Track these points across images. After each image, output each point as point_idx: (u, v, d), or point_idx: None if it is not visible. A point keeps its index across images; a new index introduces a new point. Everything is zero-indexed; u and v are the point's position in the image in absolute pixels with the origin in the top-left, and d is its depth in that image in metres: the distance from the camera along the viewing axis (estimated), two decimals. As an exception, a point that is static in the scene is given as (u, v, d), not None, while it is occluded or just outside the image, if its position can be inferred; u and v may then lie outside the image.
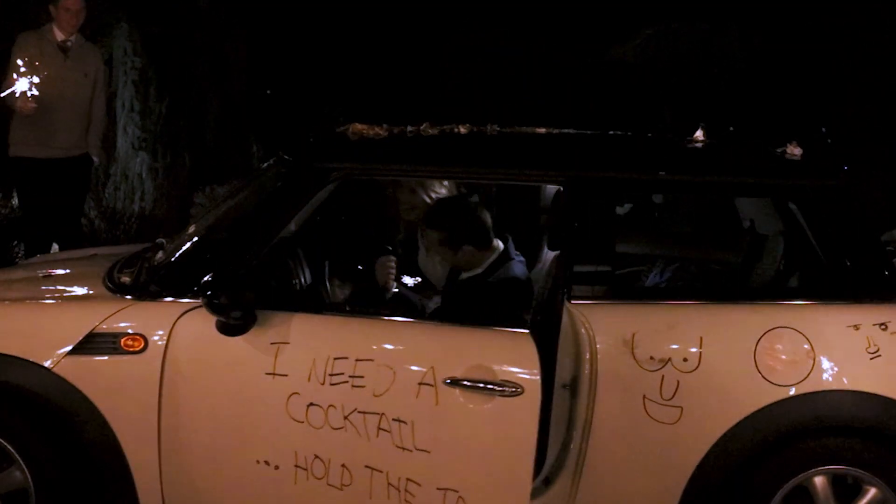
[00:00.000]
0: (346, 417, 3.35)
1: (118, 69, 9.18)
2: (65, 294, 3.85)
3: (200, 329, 3.48)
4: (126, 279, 3.79)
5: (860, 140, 8.77)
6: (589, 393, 3.42)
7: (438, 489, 3.34)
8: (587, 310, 3.48)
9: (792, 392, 3.43)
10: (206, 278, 3.46)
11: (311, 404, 3.39)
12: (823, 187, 3.69)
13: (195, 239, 3.89)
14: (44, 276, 4.20)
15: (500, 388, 3.30)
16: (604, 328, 3.47)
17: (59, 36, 6.31)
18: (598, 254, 3.59)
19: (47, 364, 3.47)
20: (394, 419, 3.34)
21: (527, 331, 3.41)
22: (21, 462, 3.49)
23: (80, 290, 3.82)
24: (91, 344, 3.48)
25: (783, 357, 3.45)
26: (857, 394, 3.43)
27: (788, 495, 3.51)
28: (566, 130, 4.29)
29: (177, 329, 3.48)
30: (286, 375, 3.40)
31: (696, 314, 3.55)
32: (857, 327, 3.48)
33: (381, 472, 3.36)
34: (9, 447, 3.49)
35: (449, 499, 3.33)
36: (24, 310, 3.70)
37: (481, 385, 3.32)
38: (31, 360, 3.48)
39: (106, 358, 3.47)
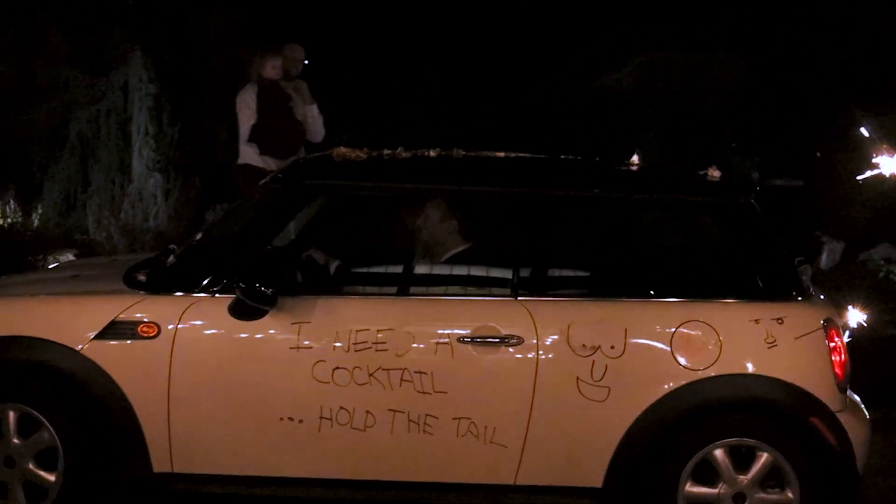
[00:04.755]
0: (371, 374, 3.98)
1: (133, 95, 9.64)
2: (92, 290, 4.39)
3: (207, 317, 4.08)
4: (142, 278, 4.43)
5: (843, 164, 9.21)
6: (534, 374, 4.09)
7: (453, 419, 4.00)
8: (531, 304, 4.11)
9: (702, 375, 3.98)
10: (238, 274, 3.99)
11: (337, 368, 3.99)
12: (732, 204, 4.25)
13: (202, 244, 4.55)
14: (73, 276, 4.86)
15: (505, 340, 4.00)
16: (544, 320, 4.06)
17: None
18: (540, 258, 4.24)
19: (78, 347, 4.03)
20: (415, 372, 3.98)
21: (516, 297, 4.06)
22: (49, 427, 4.05)
23: (104, 287, 4.36)
24: (113, 330, 4.05)
25: (695, 346, 4.04)
26: (756, 376, 3.99)
27: (698, 464, 4.02)
28: (522, 155, 4.92)
29: (185, 318, 4.06)
30: (311, 348, 4.00)
31: (622, 309, 4.12)
32: (757, 321, 4.04)
33: (402, 412, 3.99)
34: (39, 415, 4.05)
35: (462, 425, 3.99)
36: (59, 302, 4.25)
37: (489, 339, 4.00)
38: (65, 343, 4.03)
39: (125, 342, 4.04)
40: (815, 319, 4.09)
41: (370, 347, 4.03)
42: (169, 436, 4.09)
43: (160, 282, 4.28)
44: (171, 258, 4.53)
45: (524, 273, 4.17)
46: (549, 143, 7.35)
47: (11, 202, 10.04)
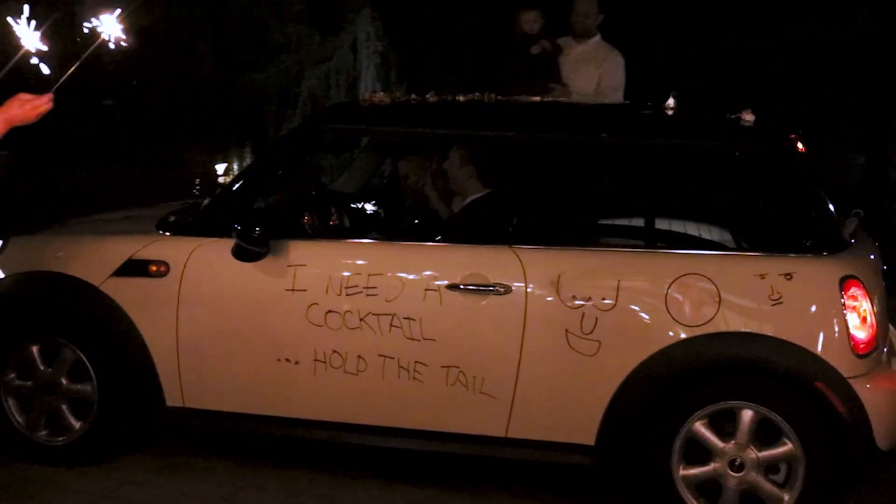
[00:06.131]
0: (361, 319, 3.98)
1: (361, 53, 9.89)
2: (121, 230, 4.54)
3: (211, 258, 4.17)
4: (171, 220, 4.59)
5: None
6: (522, 325, 3.94)
7: (442, 367, 3.94)
8: (523, 253, 3.93)
9: (698, 332, 3.72)
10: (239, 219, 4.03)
11: (330, 311, 4.00)
12: (751, 150, 3.92)
13: (227, 188, 4.65)
14: (124, 218, 5.07)
15: (493, 289, 3.89)
16: (535, 269, 3.89)
17: None
18: (540, 206, 4.07)
19: (96, 283, 4.23)
20: (404, 318, 3.94)
21: (508, 245, 3.93)
22: (82, 355, 4.28)
23: (134, 228, 4.52)
24: (128, 268, 4.23)
25: (692, 301, 3.76)
26: (756, 336, 3.69)
27: (695, 427, 3.78)
28: (558, 100, 4.73)
29: (192, 258, 4.17)
30: (305, 290, 4.03)
31: (616, 260, 3.91)
32: (763, 276, 3.73)
33: (392, 358, 3.97)
34: (70, 344, 4.29)
35: (451, 373, 3.94)
36: (86, 241, 4.43)
37: (477, 287, 3.91)
38: (86, 279, 4.25)
39: (139, 279, 4.21)
40: (831, 276, 3.72)
41: (361, 292, 4.02)
42: (179, 371, 4.24)
43: (181, 224, 4.42)
44: (206, 201, 4.67)
45: (521, 220, 4.02)
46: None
47: (248, 159, 10.54)
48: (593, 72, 5.95)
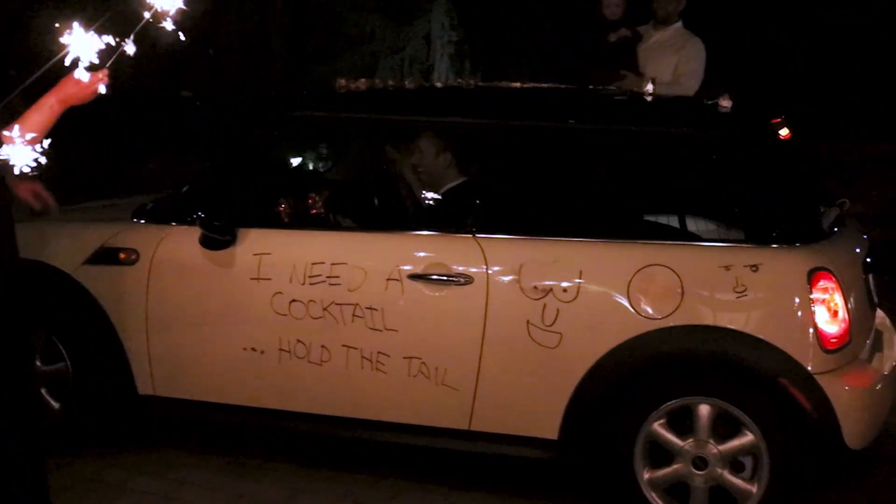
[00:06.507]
0: (324, 309, 3.92)
1: (435, 43, 9.81)
2: (98, 218, 4.55)
3: (180, 246, 4.15)
4: (148, 208, 4.56)
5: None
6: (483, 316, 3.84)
7: (404, 358, 3.88)
8: (486, 242, 3.84)
9: (660, 325, 3.60)
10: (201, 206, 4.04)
11: (294, 300, 3.95)
12: (720, 137, 3.81)
13: (200, 175, 4.63)
14: (106, 206, 5.00)
15: (455, 279, 3.82)
16: (497, 259, 3.80)
17: None
18: (504, 194, 3.96)
19: (69, 271, 4.22)
20: (366, 307, 3.88)
21: (472, 234, 3.85)
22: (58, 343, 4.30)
23: (110, 216, 4.53)
24: (100, 256, 4.22)
25: (654, 292, 3.64)
26: (719, 329, 3.57)
27: (659, 421, 3.68)
28: (541, 85, 4.61)
29: (161, 246, 4.14)
30: (270, 279, 3.99)
31: (578, 250, 3.78)
32: (728, 268, 3.60)
33: (356, 348, 3.92)
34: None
35: (413, 365, 3.87)
36: (61, 229, 4.42)
37: (439, 277, 3.83)
38: (59, 267, 4.25)
39: (110, 267, 4.20)
40: (798, 268, 3.58)
41: (324, 281, 3.96)
42: (149, 359, 4.23)
43: (154, 212, 4.41)
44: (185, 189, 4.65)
45: (484, 209, 3.94)
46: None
47: (324, 151, 10.57)
48: (671, 59, 5.81)
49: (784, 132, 4.15)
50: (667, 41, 5.85)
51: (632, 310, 3.65)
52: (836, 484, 4.07)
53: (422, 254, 3.90)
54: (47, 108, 3.10)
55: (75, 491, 4.08)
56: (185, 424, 4.47)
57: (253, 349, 4.07)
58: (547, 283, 3.73)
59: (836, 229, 3.95)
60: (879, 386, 3.71)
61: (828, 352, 3.54)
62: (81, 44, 2.72)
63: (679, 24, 5.88)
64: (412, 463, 4.28)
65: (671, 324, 3.61)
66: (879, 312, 4.60)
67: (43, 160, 2.80)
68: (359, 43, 11.16)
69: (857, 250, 3.99)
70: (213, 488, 4.16)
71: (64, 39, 2.70)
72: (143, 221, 4.35)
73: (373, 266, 3.93)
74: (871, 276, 4.12)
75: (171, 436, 4.56)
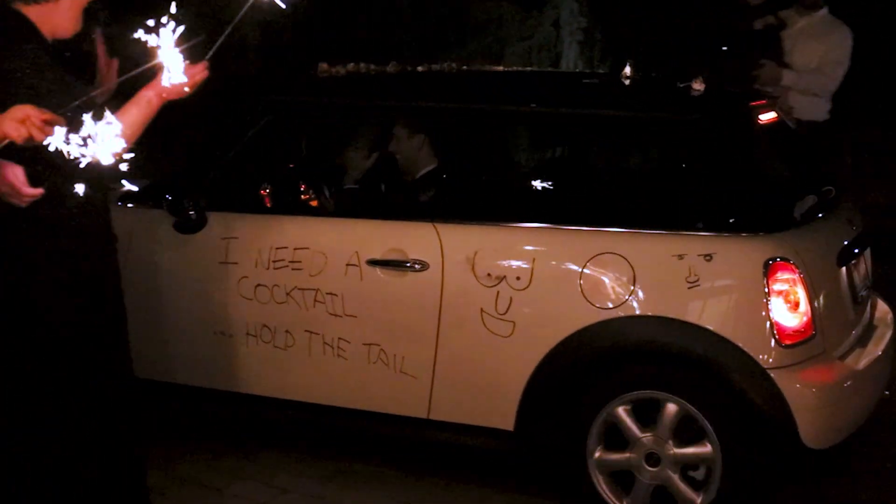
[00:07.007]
0: (287, 294, 3.94)
1: (564, 30, 9.66)
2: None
3: (155, 229, 4.18)
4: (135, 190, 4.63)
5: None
6: (439, 303, 3.80)
7: (364, 344, 3.88)
8: (444, 229, 3.78)
9: (611, 315, 3.51)
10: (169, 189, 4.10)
11: (259, 285, 3.98)
12: (679, 122, 3.67)
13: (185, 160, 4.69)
14: None
15: (411, 265, 3.79)
16: (452, 245, 3.75)
17: None
18: (464, 179, 3.90)
19: None
20: (327, 293, 3.89)
21: (431, 220, 3.81)
22: None
23: None
24: None
25: (606, 281, 3.55)
26: (669, 320, 3.45)
27: (609, 416, 3.59)
28: (525, 69, 4.53)
29: (140, 228, 4.18)
30: (236, 263, 4.03)
31: (532, 237, 3.70)
32: (681, 257, 3.47)
33: (318, 334, 3.94)
34: None
35: (372, 351, 3.87)
36: None
37: (396, 263, 3.81)
38: None
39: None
40: (754, 257, 3.42)
41: (287, 266, 3.97)
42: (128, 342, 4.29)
43: (137, 195, 4.46)
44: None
45: (441, 195, 3.88)
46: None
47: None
48: (816, 47, 5.66)
49: (768, 116, 3.99)
50: (813, 28, 5.69)
51: (584, 298, 3.55)
52: (796, 483, 3.91)
53: (381, 240, 3.87)
54: (145, 102, 3.01)
55: (169, 492, 3.97)
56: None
57: (222, 333, 4.10)
58: (500, 270, 3.66)
59: (816, 217, 3.79)
60: (848, 383, 3.53)
61: (785, 346, 3.39)
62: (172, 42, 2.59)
63: (825, 11, 5.73)
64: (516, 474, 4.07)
65: (622, 314, 3.51)
66: (882, 306, 4.41)
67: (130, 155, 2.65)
68: (487, 30, 11.11)
69: (834, 240, 3.79)
70: (316, 497, 4.01)
71: (157, 38, 2.58)
72: (128, 205, 4.42)
73: (333, 251, 3.91)
74: (858, 268, 3.94)
75: (279, 440, 4.42)
